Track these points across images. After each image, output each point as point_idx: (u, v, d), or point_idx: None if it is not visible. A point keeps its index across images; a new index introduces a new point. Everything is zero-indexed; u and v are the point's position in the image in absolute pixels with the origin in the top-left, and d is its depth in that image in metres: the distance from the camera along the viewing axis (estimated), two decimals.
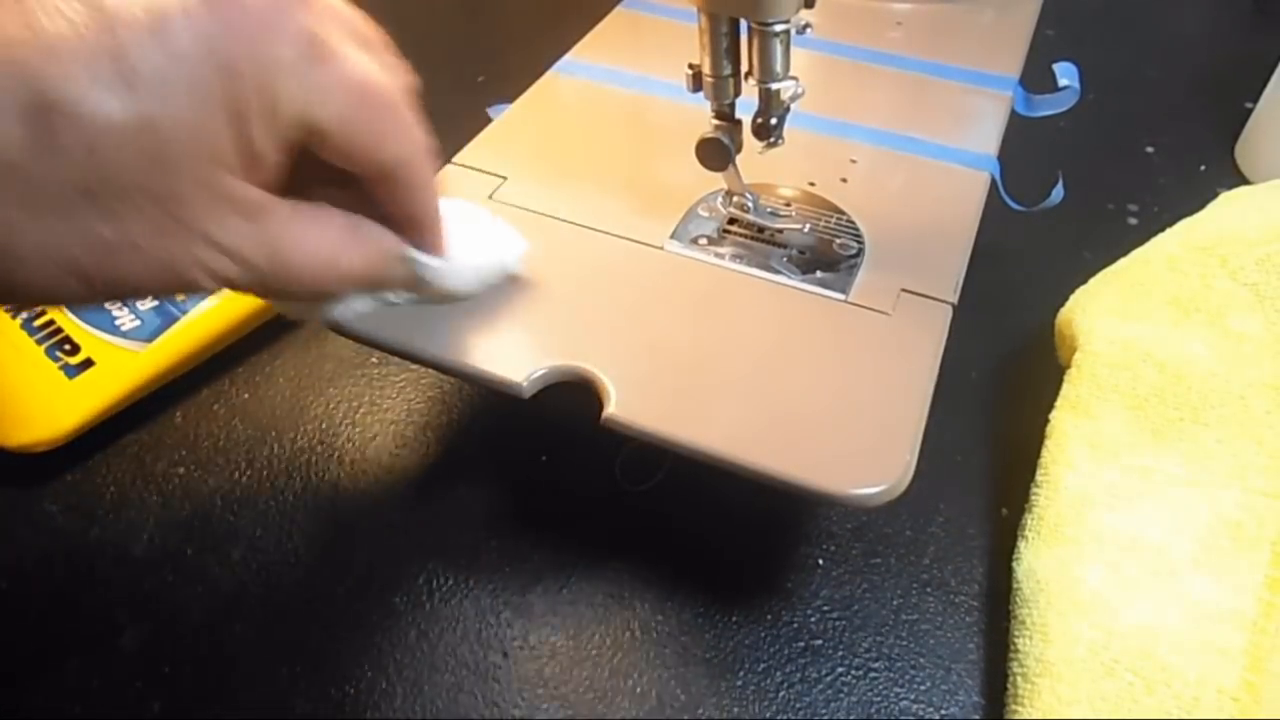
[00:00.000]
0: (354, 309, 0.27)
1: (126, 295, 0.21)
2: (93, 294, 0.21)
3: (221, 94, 0.19)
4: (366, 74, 0.21)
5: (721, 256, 0.32)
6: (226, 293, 0.39)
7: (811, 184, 0.35)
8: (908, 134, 0.37)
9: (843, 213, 0.34)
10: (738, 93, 0.31)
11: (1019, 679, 0.27)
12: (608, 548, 0.32)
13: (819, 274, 0.31)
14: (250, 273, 0.22)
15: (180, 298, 0.37)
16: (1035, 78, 0.40)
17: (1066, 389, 0.32)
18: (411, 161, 0.24)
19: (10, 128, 0.18)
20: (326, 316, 0.27)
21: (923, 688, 0.29)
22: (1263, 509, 0.28)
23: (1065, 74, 0.38)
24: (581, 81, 0.41)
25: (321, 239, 0.23)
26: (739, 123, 0.32)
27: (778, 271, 0.31)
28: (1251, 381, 0.30)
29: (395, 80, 0.23)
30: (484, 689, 0.29)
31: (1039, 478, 0.31)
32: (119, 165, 0.19)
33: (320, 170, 0.22)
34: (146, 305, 0.37)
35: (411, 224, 0.25)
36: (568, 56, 0.42)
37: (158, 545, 0.32)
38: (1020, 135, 0.39)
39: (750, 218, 0.33)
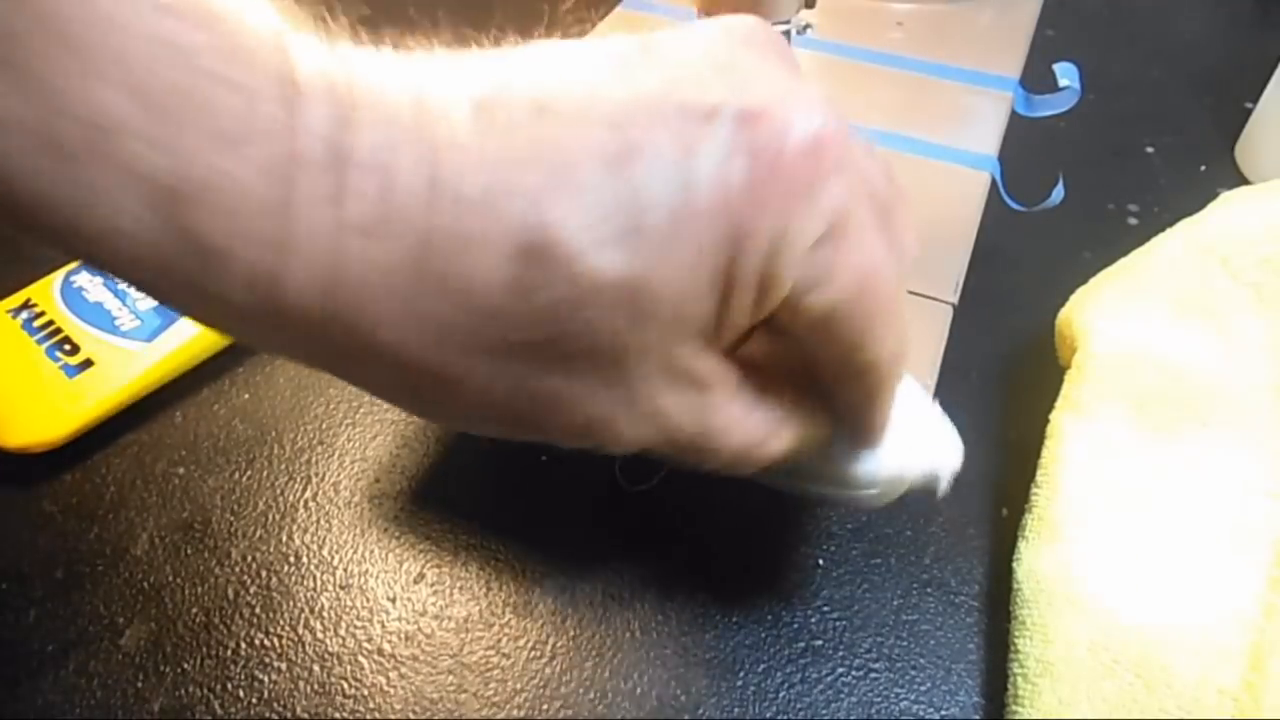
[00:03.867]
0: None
1: (535, 440, 0.19)
2: (506, 434, 0.19)
3: (724, 263, 0.16)
4: (873, 263, 0.18)
5: None
6: None
7: None
8: (908, 134, 0.37)
9: None
10: None
11: (1019, 679, 0.27)
12: (608, 548, 0.32)
13: None
14: (669, 443, 0.19)
15: None
16: (1035, 78, 0.40)
17: (1066, 389, 0.32)
18: (883, 367, 0.20)
19: (499, 265, 0.15)
20: None
21: (923, 688, 0.29)
22: (1264, 509, 0.28)
23: (1065, 74, 0.38)
24: None
25: (752, 424, 0.20)
26: None
27: None
28: (1252, 382, 0.30)
29: (900, 265, 0.19)
30: (484, 689, 0.29)
31: (1039, 478, 0.31)
32: (592, 323, 0.16)
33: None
34: (146, 305, 0.37)
35: (854, 425, 0.22)
36: None
37: (158, 545, 0.32)
38: (1020, 135, 0.39)
39: None
